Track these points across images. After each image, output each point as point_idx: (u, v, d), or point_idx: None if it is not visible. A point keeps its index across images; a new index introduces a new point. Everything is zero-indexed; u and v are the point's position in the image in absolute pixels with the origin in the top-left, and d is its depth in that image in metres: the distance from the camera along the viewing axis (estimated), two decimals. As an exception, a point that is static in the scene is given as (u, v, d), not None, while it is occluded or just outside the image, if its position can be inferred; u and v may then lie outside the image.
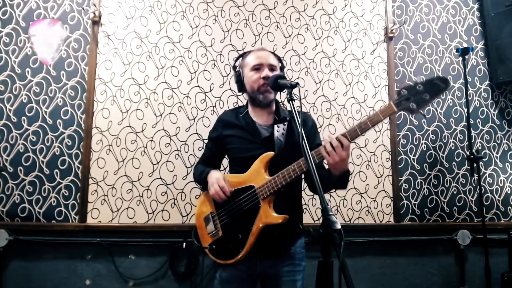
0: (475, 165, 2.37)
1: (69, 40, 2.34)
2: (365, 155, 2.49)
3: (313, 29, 2.55)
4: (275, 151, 1.50)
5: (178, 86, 2.39)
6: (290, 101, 1.30)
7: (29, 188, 2.22)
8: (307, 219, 2.31)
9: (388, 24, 2.58)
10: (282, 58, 1.77)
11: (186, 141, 2.36)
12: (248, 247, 1.47)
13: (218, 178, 1.51)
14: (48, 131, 2.27)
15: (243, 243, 1.48)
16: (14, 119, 2.26)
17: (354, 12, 2.60)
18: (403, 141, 2.53)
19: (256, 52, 1.63)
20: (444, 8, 2.69)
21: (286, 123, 1.59)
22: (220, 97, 2.41)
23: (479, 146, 2.61)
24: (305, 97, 2.47)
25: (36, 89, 2.29)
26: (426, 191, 2.52)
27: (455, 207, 2.54)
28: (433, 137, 2.57)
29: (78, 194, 2.24)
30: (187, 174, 2.32)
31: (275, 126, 1.57)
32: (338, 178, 1.38)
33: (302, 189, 1.67)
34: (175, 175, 2.32)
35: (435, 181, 2.54)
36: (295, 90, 1.32)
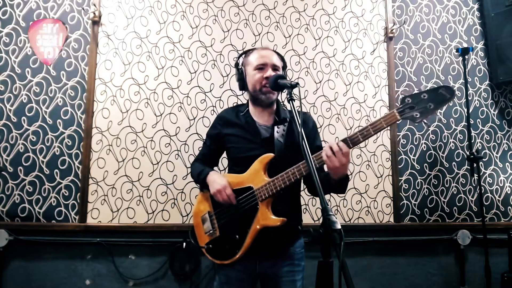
0: (475, 165, 2.37)
1: (69, 40, 2.34)
2: (365, 155, 2.49)
3: (313, 29, 2.55)
4: (275, 153, 1.49)
5: (178, 86, 2.39)
6: (290, 101, 1.30)
7: (29, 188, 2.22)
8: (307, 219, 2.31)
9: (388, 24, 2.58)
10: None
11: (186, 141, 2.36)
12: (245, 248, 1.47)
13: (225, 186, 1.49)
14: (48, 131, 2.27)
15: (240, 244, 1.48)
16: (14, 119, 2.26)
17: (354, 12, 2.60)
18: (403, 141, 2.54)
19: (260, 51, 1.61)
20: (444, 8, 2.69)
21: (286, 124, 1.58)
22: (220, 97, 2.41)
23: (479, 146, 2.61)
24: (305, 97, 2.47)
25: (36, 89, 2.29)
26: (426, 191, 2.52)
27: (455, 207, 2.54)
28: (433, 137, 2.57)
29: (78, 194, 2.24)
30: (187, 174, 2.32)
31: (275, 127, 1.56)
32: (337, 183, 1.38)
33: (301, 189, 1.67)
34: (175, 175, 2.32)
35: (435, 181, 2.54)
36: (295, 90, 1.32)
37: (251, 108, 1.63)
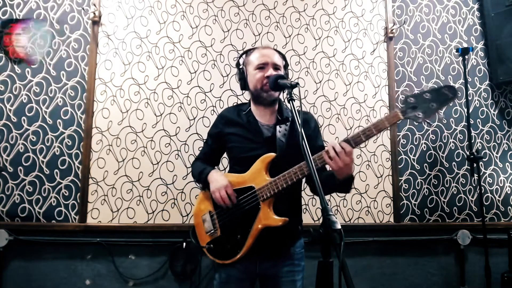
0: (475, 165, 2.37)
1: (69, 40, 2.34)
2: (365, 155, 2.49)
3: (313, 29, 2.55)
4: (277, 152, 1.49)
5: (178, 86, 2.39)
6: (290, 101, 1.30)
7: (29, 188, 2.22)
8: (307, 219, 2.31)
9: (388, 24, 2.58)
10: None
11: (186, 141, 2.36)
12: (247, 248, 1.47)
13: (225, 185, 1.49)
14: (48, 131, 2.27)
15: (241, 244, 1.48)
16: (14, 119, 2.26)
17: (354, 12, 2.60)
18: (403, 141, 2.54)
19: (261, 50, 1.60)
20: (444, 8, 2.69)
21: (288, 123, 1.57)
22: (220, 97, 2.41)
23: (479, 146, 2.61)
24: (305, 97, 2.47)
25: (36, 89, 2.29)
26: (426, 191, 2.52)
27: (455, 207, 2.54)
28: (433, 137, 2.57)
29: (78, 194, 2.24)
30: (187, 174, 2.32)
31: (277, 126, 1.55)
32: (342, 183, 1.37)
33: (302, 189, 1.66)
34: (175, 175, 2.32)
35: (435, 181, 2.54)
36: (295, 90, 1.32)
37: (253, 107, 1.62)
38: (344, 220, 2.41)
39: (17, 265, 2.18)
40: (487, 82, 2.67)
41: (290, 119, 1.58)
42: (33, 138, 2.26)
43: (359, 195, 2.45)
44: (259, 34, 2.49)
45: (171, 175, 2.32)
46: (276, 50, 1.63)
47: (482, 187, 2.49)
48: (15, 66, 2.29)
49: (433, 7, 2.67)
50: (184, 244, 2.21)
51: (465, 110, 2.49)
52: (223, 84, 2.43)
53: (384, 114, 2.53)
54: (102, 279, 2.21)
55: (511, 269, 2.34)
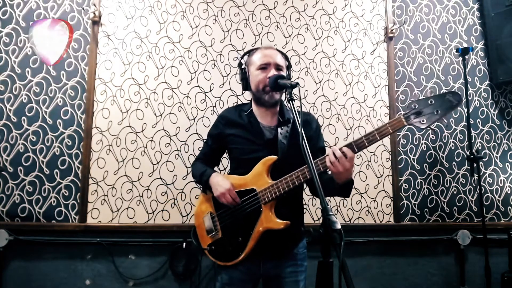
0: (475, 165, 2.37)
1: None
2: (365, 155, 2.49)
3: (313, 29, 2.55)
4: (278, 155, 1.48)
5: (178, 86, 2.39)
6: (290, 101, 1.29)
7: (29, 188, 2.22)
8: (307, 219, 2.30)
9: (388, 24, 2.58)
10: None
11: (186, 141, 2.36)
12: (248, 250, 1.47)
13: (229, 189, 1.48)
14: (48, 131, 2.27)
15: (243, 246, 1.48)
16: (14, 119, 2.26)
17: (354, 12, 2.60)
18: (403, 141, 2.53)
19: (263, 50, 1.59)
20: (444, 8, 2.69)
21: (289, 125, 1.56)
22: (220, 97, 2.41)
23: (479, 146, 2.61)
24: (305, 97, 2.47)
25: (36, 89, 2.29)
26: (426, 191, 2.52)
27: (455, 207, 2.54)
28: (433, 137, 2.56)
29: (78, 194, 2.24)
30: (187, 174, 2.32)
31: (279, 128, 1.54)
32: (341, 187, 1.37)
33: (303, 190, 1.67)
34: (175, 175, 2.32)
35: (435, 181, 2.54)
36: (295, 90, 1.32)
37: (254, 108, 1.61)
38: (344, 220, 2.41)
39: (17, 265, 2.18)
40: (487, 82, 2.67)
41: (291, 120, 1.57)
42: (33, 138, 2.26)
43: (359, 195, 2.45)
44: (259, 34, 2.49)
45: (171, 175, 2.32)
46: (278, 50, 1.62)
47: (482, 187, 2.49)
48: (15, 66, 2.29)
49: (433, 7, 2.67)
50: (184, 244, 2.21)
51: (465, 110, 2.49)
52: (223, 84, 2.43)
53: (384, 114, 2.53)
54: (102, 279, 2.21)
55: (511, 269, 2.34)
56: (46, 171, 2.24)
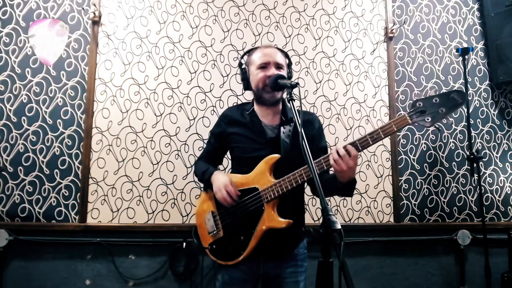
0: (475, 165, 2.37)
1: (69, 40, 2.34)
2: (365, 155, 2.49)
3: (313, 29, 2.55)
4: (281, 153, 1.48)
5: (178, 86, 2.39)
6: (290, 101, 1.29)
7: (29, 188, 2.22)
8: (307, 219, 2.29)
9: (388, 24, 2.58)
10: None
11: (186, 141, 2.36)
12: (250, 249, 1.47)
13: (225, 184, 1.48)
14: (48, 131, 2.27)
15: (244, 245, 1.48)
16: (14, 119, 2.26)
17: (354, 12, 2.60)
18: (403, 141, 2.53)
19: (263, 49, 1.58)
20: (444, 8, 2.69)
21: (292, 124, 1.55)
22: (220, 97, 2.41)
23: (479, 146, 2.61)
24: (305, 97, 2.47)
25: (36, 89, 2.29)
26: (426, 191, 2.52)
27: (455, 207, 2.54)
28: (433, 137, 2.56)
29: (78, 194, 2.24)
30: (187, 174, 2.32)
31: (281, 127, 1.54)
32: (344, 186, 1.37)
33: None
34: (175, 175, 2.32)
35: (435, 181, 2.54)
36: (295, 90, 1.32)
37: (256, 107, 1.61)
38: (344, 220, 2.41)
39: (17, 265, 2.18)
40: (487, 82, 2.67)
41: (294, 120, 1.57)
42: (33, 138, 2.26)
43: (359, 195, 2.45)
44: (259, 34, 2.49)
45: (171, 175, 2.32)
46: (279, 48, 1.61)
47: (482, 187, 2.49)
48: (15, 66, 2.29)
49: (433, 7, 2.67)
50: (184, 244, 2.21)
51: (465, 110, 2.49)
52: (223, 84, 2.43)
53: (384, 114, 2.53)
54: (102, 279, 2.21)
55: (511, 269, 2.34)
56: (46, 171, 2.24)
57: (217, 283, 1.59)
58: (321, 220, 1.00)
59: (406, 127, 2.53)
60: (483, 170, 2.58)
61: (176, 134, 2.35)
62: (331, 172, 1.47)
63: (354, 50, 2.56)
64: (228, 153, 1.71)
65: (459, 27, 2.69)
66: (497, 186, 2.60)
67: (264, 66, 1.54)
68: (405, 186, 2.50)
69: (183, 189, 2.32)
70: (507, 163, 2.63)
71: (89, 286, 2.20)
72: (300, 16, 2.54)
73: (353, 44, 2.57)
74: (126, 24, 2.39)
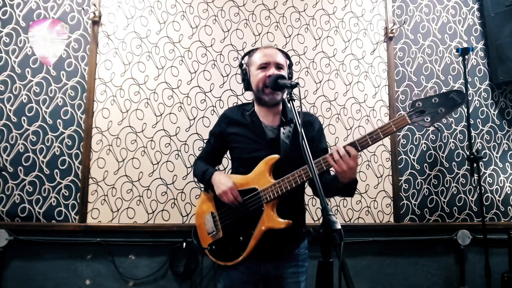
0: (475, 165, 2.38)
1: (69, 40, 2.34)
2: (365, 155, 2.49)
3: (313, 29, 2.55)
4: (280, 154, 1.48)
5: (178, 86, 2.39)
6: (290, 101, 1.29)
7: (29, 188, 2.22)
8: (307, 219, 2.29)
9: (388, 24, 2.58)
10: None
11: (186, 141, 2.36)
12: (249, 250, 1.46)
13: (230, 187, 1.48)
14: (48, 131, 2.27)
15: (244, 246, 1.47)
16: (14, 119, 2.26)
17: (354, 12, 2.60)
18: (403, 141, 2.53)
19: (263, 50, 1.58)
20: (444, 8, 2.69)
21: (292, 125, 1.55)
22: (220, 97, 2.41)
23: (479, 146, 2.61)
24: (305, 97, 2.47)
25: (36, 89, 2.29)
26: (426, 191, 2.52)
27: (455, 207, 2.54)
28: (433, 137, 2.56)
29: (78, 194, 2.24)
30: (187, 174, 2.32)
31: (281, 128, 1.54)
32: (345, 186, 1.37)
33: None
34: (175, 175, 2.32)
35: (435, 181, 2.54)
36: (295, 90, 1.32)
37: (256, 108, 1.61)
38: (344, 220, 2.41)
39: (17, 265, 2.18)
40: (487, 82, 2.67)
41: (294, 120, 1.57)
42: (33, 138, 2.26)
43: (359, 195, 2.45)
44: (259, 34, 2.49)
45: (171, 175, 2.32)
46: (279, 49, 1.62)
47: (482, 187, 2.49)
48: (15, 66, 2.29)
49: (433, 7, 2.67)
50: (184, 244, 2.21)
51: (465, 110, 2.49)
52: (223, 84, 2.43)
53: (384, 114, 2.53)
54: (102, 279, 2.21)
55: (511, 269, 2.34)
56: (46, 171, 2.24)
57: (219, 285, 1.58)
58: (321, 220, 0.99)
59: (406, 127, 2.54)
60: (483, 170, 2.58)
61: (176, 134, 2.35)
62: (332, 173, 1.47)
63: (354, 50, 2.56)
64: (228, 153, 1.71)
65: (459, 27, 2.69)
66: (497, 186, 2.60)
67: (264, 67, 1.54)
68: (405, 186, 2.50)
69: (183, 189, 2.32)
70: (507, 163, 2.63)
71: (89, 286, 2.20)
72: (300, 16, 2.54)
73: (353, 44, 2.57)
74: (126, 24, 2.39)
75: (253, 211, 1.47)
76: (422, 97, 1.28)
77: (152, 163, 2.31)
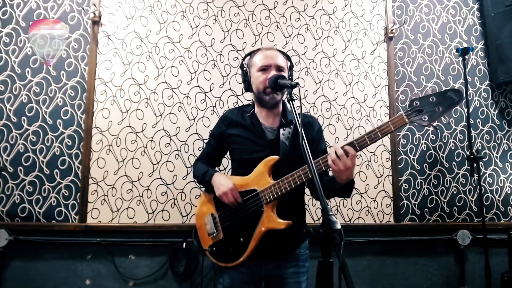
0: (475, 165, 2.37)
1: (69, 40, 2.34)
2: (365, 155, 2.49)
3: (313, 29, 2.55)
4: (280, 155, 1.48)
5: (178, 86, 2.39)
6: (290, 101, 1.29)
7: (29, 188, 2.22)
8: (307, 219, 2.30)
9: (388, 24, 2.58)
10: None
11: (186, 141, 2.36)
12: (250, 251, 1.46)
13: (232, 188, 1.48)
14: (48, 131, 2.27)
15: (244, 247, 1.47)
16: (14, 119, 2.26)
17: (354, 12, 2.60)
18: (403, 141, 2.53)
19: (264, 51, 1.58)
20: (444, 8, 2.69)
21: (292, 126, 1.56)
22: (220, 97, 2.41)
23: (479, 146, 2.61)
24: (305, 97, 2.47)
25: (36, 89, 2.29)
26: (426, 191, 2.52)
27: (455, 207, 2.54)
28: (433, 137, 2.56)
29: (78, 194, 2.24)
30: (187, 174, 2.32)
31: (281, 129, 1.54)
32: (342, 187, 1.37)
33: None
34: (175, 175, 2.32)
35: (435, 181, 2.54)
36: (295, 90, 1.31)
37: (256, 109, 1.61)
38: (344, 220, 2.41)
39: (17, 265, 2.18)
40: (487, 82, 2.67)
41: (294, 122, 1.56)
42: (33, 138, 2.26)
43: (359, 195, 2.45)
44: (259, 34, 2.49)
45: (171, 175, 2.32)
46: (280, 50, 1.62)
47: (482, 187, 2.49)
48: (15, 66, 2.29)
49: (433, 7, 2.67)
50: (184, 244, 2.21)
51: (465, 110, 2.49)
52: (223, 84, 2.43)
53: (384, 114, 2.53)
54: (102, 279, 2.21)
55: (511, 269, 2.34)
56: (46, 171, 2.24)
57: (219, 286, 1.58)
58: (321, 220, 0.99)
59: (406, 127, 2.54)
60: (483, 170, 2.58)
61: (176, 134, 2.35)
62: (330, 174, 1.47)
63: (354, 50, 2.56)
64: (228, 154, 1.71)
65: (459, 27, 2.69)
66: (497, 186, 2.60)
67: (265, 69, 1.54)
68: (405, 186, 2.50)
69: (183, 189, 2.32)
70: (507, 163, 2.63)
71: (89, 286, 2.20)
72: (300, 16, 2.54)
73: (353, 44, 2.57)
74: (126, 24, 2.39)
75: (253, 212, 1.47)
76: (420, 96, 1.27)
77: (152, 163, 2.31)
